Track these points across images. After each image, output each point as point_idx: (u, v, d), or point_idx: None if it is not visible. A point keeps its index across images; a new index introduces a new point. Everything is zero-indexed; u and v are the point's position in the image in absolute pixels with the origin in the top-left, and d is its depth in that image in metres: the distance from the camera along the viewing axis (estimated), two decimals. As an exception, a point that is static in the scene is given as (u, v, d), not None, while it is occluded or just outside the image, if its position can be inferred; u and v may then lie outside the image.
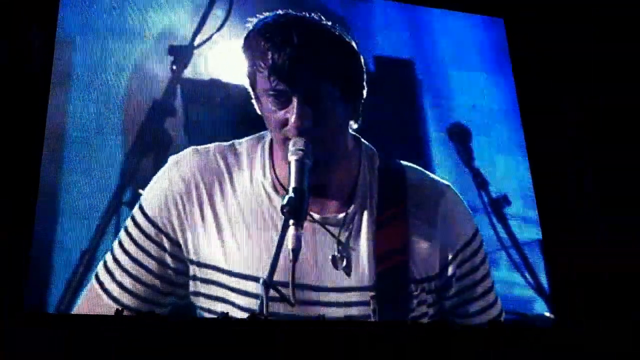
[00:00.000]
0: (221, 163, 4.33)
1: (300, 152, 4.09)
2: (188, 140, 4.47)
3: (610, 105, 4.44)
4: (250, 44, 4.24)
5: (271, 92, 4.17)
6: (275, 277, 4.04)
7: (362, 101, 4.41)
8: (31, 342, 2.86)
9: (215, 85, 4.64)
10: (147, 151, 4.40)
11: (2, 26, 3.84)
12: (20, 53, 3.88)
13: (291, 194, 3.98)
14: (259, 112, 4.35)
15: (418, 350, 3.53)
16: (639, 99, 4.41)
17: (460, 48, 5.06)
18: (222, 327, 3.44)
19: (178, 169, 4.29)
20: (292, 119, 4.12)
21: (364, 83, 4.40)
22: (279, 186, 4.28)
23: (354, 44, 4.38)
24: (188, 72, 4.62)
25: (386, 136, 4.68)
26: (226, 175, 4.31)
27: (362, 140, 4.53)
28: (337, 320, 4.08)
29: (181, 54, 4.64)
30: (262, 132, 4.40)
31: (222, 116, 4.59)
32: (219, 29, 4.78)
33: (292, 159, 4.09)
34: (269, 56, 4.11)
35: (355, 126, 4.44)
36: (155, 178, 4.28)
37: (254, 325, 3.48)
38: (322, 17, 4.31)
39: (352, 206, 4.36)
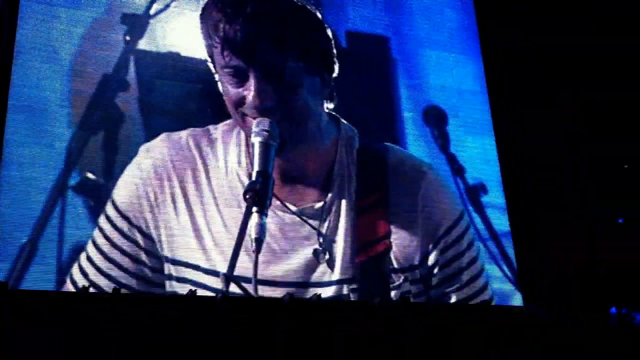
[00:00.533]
0: (195, 151, 3.99)
1: (265, 133, 3.74)
2: (142, 117, 4.02)
3: (606, 99, 4.44)
4: (205, 16, 3.91)
5: (226, 69, 3.85)
6: (239, 271, 3.55)
7: (334, 76, 4.10)
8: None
9: (173, 58, 4.17)
10: (96, 128, 3.92)
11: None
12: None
13: (254, 177, 3.64)
14: (221, 91, 3.99)
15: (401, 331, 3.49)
16: (634, 93, 4.44)
17: (433, 27, 4.85)
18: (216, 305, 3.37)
19: (150, 157, 3.91)
20: (250, 96, 3.79)
21: (334, 57, 4.09)
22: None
23: (318, 14, 4.05)
24: (143, 43, 4.14)
25: (359, 117, 4.34)
26: (200, 165, 3.97)
27: (342, 120, 4.20)
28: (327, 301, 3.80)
29: (136, 23, 4.16)
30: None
31: (180, 92, 4.13)
32: None
33: (256, 140, 3.73)
34: (221, 28, 3.78)
35: (331, 106, 4.12)
36: (127, 167, 3.88)
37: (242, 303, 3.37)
38: (285, -14, 3.97)
39: (330, 194, 4.05)
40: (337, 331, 3.39)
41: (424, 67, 4.73)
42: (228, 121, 4.04)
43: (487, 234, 4.50)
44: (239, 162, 3.99)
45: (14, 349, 2.70)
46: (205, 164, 3.97)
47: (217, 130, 4.05)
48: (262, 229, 3.53)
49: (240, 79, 3.82)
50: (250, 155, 3.91)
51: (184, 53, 4.20)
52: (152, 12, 4.23)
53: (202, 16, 3.93)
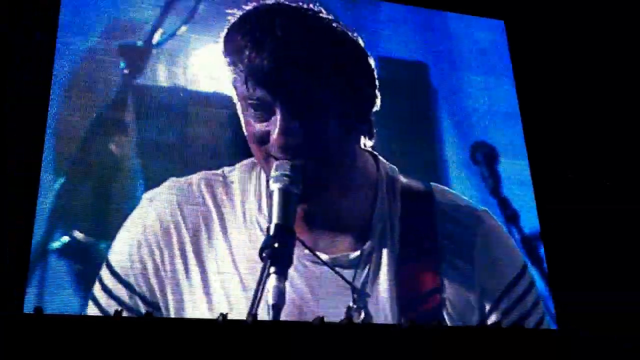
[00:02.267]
0: (208, 197, 3.39)
1: (285, 178, 3.17)
2: (141, 164, 3.39)
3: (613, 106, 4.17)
4: (228, 43, 3.36)
5: (250, 101, 3.29)
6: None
7: (374, 110, 3.51)
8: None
9: (177, 94, 3.57)
10: (85, 179, 3.30)
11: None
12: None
13: (272, 232, 3.06)
14: (243, 126, 3.41)
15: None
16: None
17: (466, 51, 4.27)
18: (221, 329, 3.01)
19: (154, 207, 3.30)
20: (274, 134, 3.23)
21: (376, 89, 3.51)
22: None
23: (360, 40, 3.50)
24: (143, 78, 3.55)
25: (397, 154, 3.73)
26: (214, 213, 3.36)
27: (380, 158, 3.58)
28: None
29: (135, 55, 3.57)
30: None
31: (188, 131, 3.53)
32: (185, 22, 3.72)
33: (275, 187, 3.16)
34: (246, 54, 3.23)
35: (369, 143, 3.51)
36: (126, 222, 3.26)
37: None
38: (322, 10, 3.43)
39: (369, 241, 3.41)
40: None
41: (466, 96, 4.13)
42: (246, 161, 3.46)
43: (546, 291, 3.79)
44: (260, 209, 3.39)
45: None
46: (220, 213, 3.38)
47: (234, 173, 3.46)
48: (280, 293, 2.95)
49: (264, 113, 3.28)
50: (269, 200, 3.30)
51: (190, 87, 3.61)
52: (154, 41, 3.65)
53: (225, 40, 3.39)
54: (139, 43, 3.62)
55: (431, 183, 3.70)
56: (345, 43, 3.45)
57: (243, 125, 3.40)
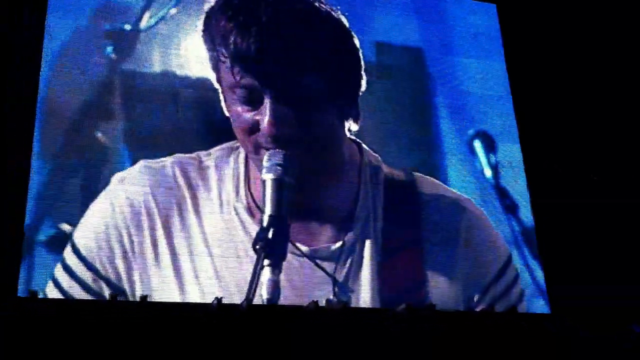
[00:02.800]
0: (181, 180, 3.32)
1: (278, 168, 3.11)
2: (129, 152, 3.35)
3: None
4: (210, 25, 3.27)
5: (237, 89, 3.21)
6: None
7: (359, 94, 3.43)
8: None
9: (167, 79, 3.50)
10: (73, 170, 3.25)
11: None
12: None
13: (265, 223, 3.02)
14: (226, 114, 3.33)
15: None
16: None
17: (459, 34, 4.15)
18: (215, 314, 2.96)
19: (124, 189, 3.24)
20: (265, 123, 3.16)
21: (361, 71, 3.43)
22: (257, 210, 3.25)
23: (344, 20, 3.40)
24: (131, 62, 3.48)
25: (386, 142, 3.68)
26: (188, 197, 3.30)
27: (364, 146, 3.51)
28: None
29: (122, 39, 3.49)
30: (235, 141, 3.37)
31: (176, 120, 3.47)
32: (175, 4, 3.62)
33: (268, 177, 3.11)
34: (231, 40, 3.14)
35: (355, 128, 3.43)
36: (94, 203, 3.20)
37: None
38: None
39: (351, 232, 3.36)
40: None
41: (459, 79, 4.03)
42: (223, 145, 3.39)
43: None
44: (237, 194, 3.32)
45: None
46: (194, 197, 3.30)
47: (210, 157, 3.39)
48: (275, 287, 2.95)
49: (253, 101, 3.21)
50: (248, 189, 3.31)
51: (180, 72, 3.55)
52: (142, 25, 3.57)
53: (206, 24, 3.30)
54: (127, 27, 3.54)
55: (414, 172, 3.63)
56: (330, 24, 3.35)
57: (226, 112, 3.33)
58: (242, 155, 3.36)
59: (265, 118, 3.16)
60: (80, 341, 2.63)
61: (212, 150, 3.39)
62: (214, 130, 3.45)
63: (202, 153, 3.39)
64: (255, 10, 3.20)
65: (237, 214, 3.29)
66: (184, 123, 3.47)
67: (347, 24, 3.42)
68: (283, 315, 3.00)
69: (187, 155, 3.37)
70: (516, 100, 4.03)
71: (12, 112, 3.22)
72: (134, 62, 3.48)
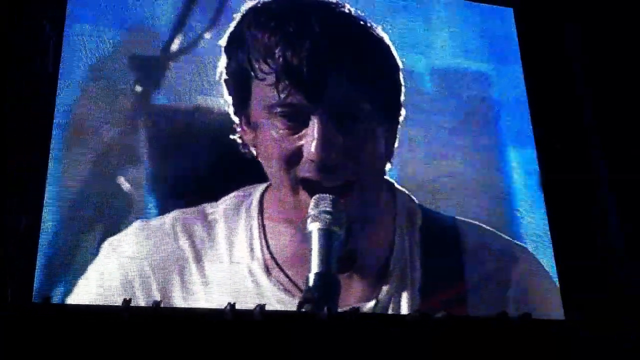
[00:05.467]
0: (183, 242, 2.85)
1: (327, 216, 2.73)
2: (156, 202, 2.88)
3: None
4: (240, 39, 2.91)
5: (279, 109, 2.84)
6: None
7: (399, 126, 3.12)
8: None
9: (200, 114, 3.03)
10: (88, 225, 2.79)
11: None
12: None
13: (312, 282, 2.65)
14: (242, 149, 2.95)
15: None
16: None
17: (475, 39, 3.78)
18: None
19: (116, 257, 2.76)
20: (312, 147, 2.80)
21: (401, 99, 3.13)
22: (275, 268, 2.87)
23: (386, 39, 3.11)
24: (159, 96, 2.98)
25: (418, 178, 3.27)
26: (191, 260, 2.83)
27: (396, 185, 3.13)
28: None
29: (149, 67, 3.00)
30: (247, 188, 2.94)
31: (209, 162, 3.00)
32: (209, 26, 3.14)
33: (314, 227, 2.72)
34: (278, 53, 2.79)
35: (388, 167, 3.10)
36: (86, 273, 2.74)
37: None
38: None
39: (385, 288, 2.97)
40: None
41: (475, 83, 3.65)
42: (232, 193, 2.95)
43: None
44: (252, 251, 2.90)
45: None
46: (197, 257, 2.85)
47: (218, 209, 2.93)
48: None
49: (296, 122, 2.86)
50: (265, 242, 2.90)
51: (215, 107, 3.06)
52: (173, 49, 3.07)
53: (232, 39, 2.98)
54: (154, 53, 3.07)
55: (456, 217, 3.24)
56: (378, 43, 3.11)
57: (241, 147, 2.97)
58: (255, 203, 2.93)
59: (311, 141, 2.81)
60: (94, 347, 2.50)
61: (221, 201, 2.94)
62: (214, 175, 3.01)
63: (207, 205, 2.92)
64: (306, 20, 2.88)
65: (251, 275, 2.86)
66: (223, 165, 3.02)
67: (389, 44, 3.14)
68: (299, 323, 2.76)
69: (190, 209, 2.89)
70: (532, 105, 3.75)
71: (25, 146, 2.82)
72: (162, 95, 3.01)
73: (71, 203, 2.76)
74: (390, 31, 3.29)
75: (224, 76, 2.99)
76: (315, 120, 2.81)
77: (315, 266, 2.66)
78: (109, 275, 2.73)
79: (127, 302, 2.62)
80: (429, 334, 2.86)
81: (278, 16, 2.86)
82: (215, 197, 2.93)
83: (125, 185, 2.85)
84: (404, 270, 3.03)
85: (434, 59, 3.52)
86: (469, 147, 3.41)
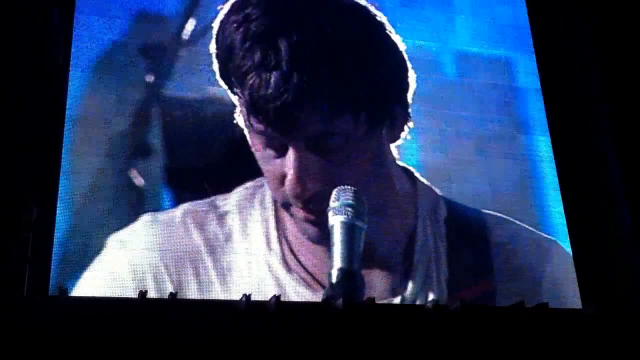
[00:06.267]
0: (195, 234, 2.77)
1: (349, 209, 2.68)
2: (172, 195, 2.79)
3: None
4: (228, 59, 2.87)
5: (257, 131, 2.84)
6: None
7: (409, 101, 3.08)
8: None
9: (213, 104, 2.91)
10: (102, 218, 2.71)
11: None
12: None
13: (335, 278, 2.59)
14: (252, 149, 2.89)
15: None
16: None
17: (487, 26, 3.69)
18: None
19: (124, 252, 2.68)
20: (289, 180, 2.78)
21: (408, 77, 3.07)
22: (294, 262, 2.80)
23: (384, 19, 3.06)
24: (171, 87, 2.87)
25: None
26: (205, 253, 2.75)
27: (418, 176, 3.04)
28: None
29: (160, 56, 2.88)
30: (259, 179, 2.86)
31: (222, 154, 2.90)
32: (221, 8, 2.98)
33: (336, 220, 2.66)
34: (247, 84, 2.77)
35: (402, 136, 3.06)
36: (92, 265, 2.66)
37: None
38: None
39: (410, 283, 2.88)
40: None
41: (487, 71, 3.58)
42: (246, 184, 2.87)
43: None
44: (269, 244, 2.83)
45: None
46: (211, 250, 2.77)
47: (229, 200, 2.85)
48: None
49: (275, 148, 2.83)
50: (283, 234, 2.84)
51: (228, 97, 2.94)
52: (185, 36, 2.94)
53: (223, 57, 2.92)
54: (165, 39, 2.96)
55: (483, 210, 3.14)
56: (368, 30, 3.06)
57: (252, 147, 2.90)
58: (268, 193, 2.86)
59: (290, 173, 2.78)
60: (111, 336, 2.47)
61: (233, 192, 2.86)
62: (227, 166, 2.93)
63: (218, 198, 2.84)
64: (276, 41, 2.77)
65: (268, 267, 2.79)
66: (235, 156, 2.93)
67: (386, 24, 3.10)
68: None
69: (200, 202, 2.82)
70: (546, 93, 3.68)
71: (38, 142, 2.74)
72: (174, 86, 2.91)
73: (84, 196, 2.69)
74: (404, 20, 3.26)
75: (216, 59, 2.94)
76: (291, 152, 2.76)
77: (338, 262, 2.61)
78: (119, 270, 2.66)
79: (142, 294, 2.55)
80: (445, 325, 2.79)
81: (253, 34, 2.79)
82: (227, 189, 2.86)
83: (138, 179, 2.77)
84: (428, 264, 2.95)
85: (449, 44, 3.46)
86: (482, 136, 3.34)
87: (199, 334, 2.51)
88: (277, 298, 2.57)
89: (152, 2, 2.96)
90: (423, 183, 3.06)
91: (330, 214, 2.68)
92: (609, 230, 3.41)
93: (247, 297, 2.58)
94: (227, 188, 2.84)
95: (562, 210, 3.35)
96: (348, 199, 2.69)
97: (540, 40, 3.77)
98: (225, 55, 2.77)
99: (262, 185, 2.87)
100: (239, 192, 2.86)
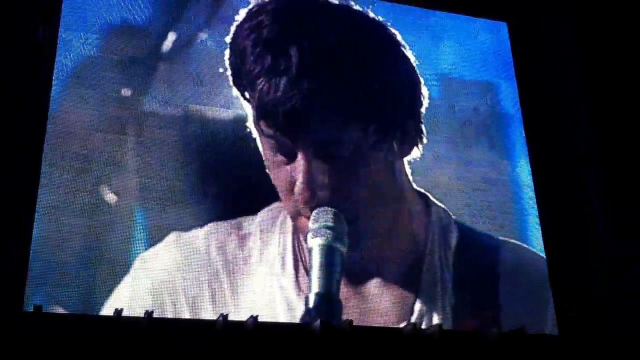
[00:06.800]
0: (215, 255, 2.72)
1: (328, 231, 2.63)
2: (145, 214, 2.68)
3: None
4: (237, 65, 2.83)
5: (267, 138, 2.79)
6: None
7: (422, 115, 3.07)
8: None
9: (193, 122, 2.82)
10: (72, 235, 2.59)
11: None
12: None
13: (311, 303, 2.56)
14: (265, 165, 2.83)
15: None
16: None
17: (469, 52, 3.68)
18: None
19: (147, 272, 2.62)
20: (298, 186, 2.72)
21: (421, 95, 3.08)
22: (308, 284, 2.69)
23: (399, 36, 3.05)
24: (148, 103, 2.77)
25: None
26: (224, 276, 2.70)
27: (432, 199, 3.02)
28: None
29: (139, 69, 2.78)
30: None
31: (205, 177, 2.79)
32: (204, 26, 2.94)
33: (314, 243, 2.63)
34: (258, 86, 2.72)
35: (413, 152, 3.04)
36: (118, 286, 2.60)
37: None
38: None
39: (417, 307, 2.83)
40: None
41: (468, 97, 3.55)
42: (271, 205, 2.83)
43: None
44: (283, 266, 2.78)
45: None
46: (231, 275, 2.72)
47: (254, 222, 2.81)
48: None
49: (285, 155, 2.77)
50: (299, 254, 2.79)
51: (208, 113, 2.87)
52: (164, 49, 2.86)
53: (233, 50, 2.87)
54: (143, 54, 2.87)
55: (500, 238, 3.11)
56: (382, 41, 3.06)
57: (266, 165, 2.84)
58: (288, 215, 2.82)
59: (299, 179, 2.72)
60: (86, 356, 2.42)
61: (259, 214, 2.82)
62: (252, 188, 2.83)
63: (245, 219, 2.79)
64: (287, 47, 2.74)
65: (281, 289, 2.73)
66: (219, 179, 2.84)
67: (399, 38, 3.10)
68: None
69: (226, 222, 2.77)
70: (526, 118, 3.69)
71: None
72: (151, 100, 2.81)
73: (57, 212, 2.58)
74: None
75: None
76: (300, 158, 2.72)
77: (315, 286, 2.55)
78: (140, 292, 2.60)
79: (118, 312, 2.47)
80: (424, 348, 2.74)
81: (264, 40, 2.76)
82: (253, 211, 2.80)
83: (109, 196, 2.66)
84: (433, 289, 2.90)
85: (432, 69, 3.39)
86: (461, 160, 3.31)
87: (175, 352, 2.44)
88: (254, 318, 2.50)
89: (133, 15, 2.86)
90: (437, 206, 3.03)
91: (309, 236, 2.63)
92: (587, 235, 3.40)
93: (224, 316, 2.52)
94: (253, 210, 2.78)
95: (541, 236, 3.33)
96: (328, 221, 2.64)
97: (521, 66, 3.76)
98: (238, 60, 2.76)
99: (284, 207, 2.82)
100: (263, 213, 2.82)
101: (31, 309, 2.41)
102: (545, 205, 3.43)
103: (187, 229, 2.69)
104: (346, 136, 2.78)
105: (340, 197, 2.73)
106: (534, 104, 3.69)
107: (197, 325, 2.58)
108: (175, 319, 2.58)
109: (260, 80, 2.69)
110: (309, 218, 2.68)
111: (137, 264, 2.62)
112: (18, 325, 2.41)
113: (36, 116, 2.61)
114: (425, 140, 3.02)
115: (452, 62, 3.49)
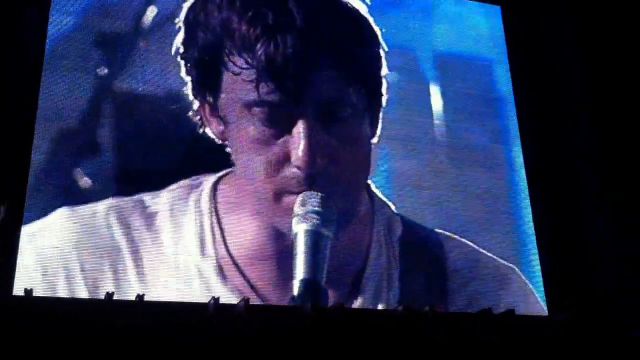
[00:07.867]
0: (117, 231, 2.56)
1: (315, 216, 2.57)
2: (116, 191, 2.60)
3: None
4: (205, 18, 2.71)
5: (259, 108, 2.64)
6: None
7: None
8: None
9: (171, 98, 2.73)
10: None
11: None
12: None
13: (296, 291, 2.49)
14: (214, 137, 2.72)
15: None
16: None
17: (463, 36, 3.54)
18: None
19: (33, 246, 2.47)
20: (299, 150, 2.61)
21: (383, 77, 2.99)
22: (234, 269, 2.63)
23: (369, 17, 2.95)
24: (125, 80, 2.68)
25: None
26: (126, 251, 2.55)
27: (374, 190, 2.91)
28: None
29: (114, 47, 2.68)
30: (196, 177, 2.68)
31: (184, 154, 2.72)
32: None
33: (300, 228, 2.55)
34: (259, 49, 2.60)
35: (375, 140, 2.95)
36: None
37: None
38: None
39: (359, 298, 2.75)
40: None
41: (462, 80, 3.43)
42: (179, 182, 2.68)
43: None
44: (202, 249, 2.63)
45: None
46: (134, 249, 2.56)
47: (159, 199, 2.64)
48: None
49: (278, 123, 2.65)
50: (221, 237, 2.66)
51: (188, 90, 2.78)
52: (144, 24, 2.76)
53: (190, 16, 2.77)
54: (122, 29, 2.76)
55: (438, 230, 2.98)
56: (363, 23, 2.96)
57: (216, 139, 2.73)
58: (206, 195, 2.68)
59: (298, 144, 2.61)
60: (76, 339, 2.32)
61: (163, 191, 2.66)
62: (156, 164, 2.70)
63: (146, 195, 2.63)
64: (284, 9, 2.67)
65: (200, 275, 2.59)
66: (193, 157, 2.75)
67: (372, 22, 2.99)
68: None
69: (127, 198, 2.61)
70: (518, 102, 3.59)
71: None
72: (128, 77, 2.72)
73: (31, 192, 2.50)
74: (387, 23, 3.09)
75: (182, 53, 2.75)
76: (300, 122, 2.62)
77: (300, 272, 2.49)
78: (29, 267, 2.45)
79: (109, 295, 2.36)
80: (415, 330, 2.66)
81: (254, 3, 2.65)
82: (157, 186, 2.66)
83: (83, 180, 2.57)
84: (379, 282, 2.80)
85: (426, 49, 3.31)
86: (453, 145, 3.20)
87: (166, 336, 2.33)
88: (246, 301, 2.40)
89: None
90: (380, 199, 2.91)
91: (294, 220, 2.55)
92: (583, 234, 3.34)
93: (215, 300, 2.41)
94: (157, 186, 2.63)
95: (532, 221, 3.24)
96: (314, 206, 2.57)
97: (518, 42, 3.66)
98: (219, 35, 2.66)
99: (199, 185, 2.69)
100: (172, 191, 2.67)
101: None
102: (546, 205, 3.33)
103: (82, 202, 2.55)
104: (346, 98, 2.73)
105: (336, 169, 2.68)
106: (534, 104, 3.58)
107: (187, 308, 2.45)
108: (167, 302, 2.47)
109: (263, 41, 2.60)
110: (297, 194, 2.60)
111: (22, 238, 2.45)
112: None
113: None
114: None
115: (446, 43, 3.35)
